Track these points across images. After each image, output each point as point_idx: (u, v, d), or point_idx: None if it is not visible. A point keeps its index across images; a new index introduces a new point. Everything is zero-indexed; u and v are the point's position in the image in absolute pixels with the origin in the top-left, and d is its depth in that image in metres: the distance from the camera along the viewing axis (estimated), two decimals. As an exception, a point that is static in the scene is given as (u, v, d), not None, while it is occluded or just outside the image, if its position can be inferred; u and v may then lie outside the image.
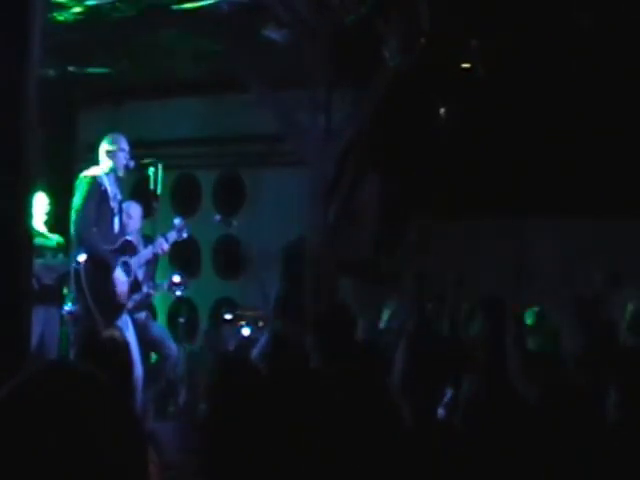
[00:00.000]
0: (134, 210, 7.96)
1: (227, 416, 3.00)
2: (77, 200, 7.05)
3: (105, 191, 7.04)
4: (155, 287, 8.10)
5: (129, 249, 7.34)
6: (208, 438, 2.95)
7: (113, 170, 7.14)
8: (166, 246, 7.56)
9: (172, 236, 7.65)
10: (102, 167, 7.15)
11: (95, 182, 7.02)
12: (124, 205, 7.88)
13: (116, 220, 7.18)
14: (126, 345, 3.98)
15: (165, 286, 8.22)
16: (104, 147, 7.19)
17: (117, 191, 7.21)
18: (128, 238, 7.39)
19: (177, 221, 7.78)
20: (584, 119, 9.19)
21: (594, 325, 6.32)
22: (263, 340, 4.19)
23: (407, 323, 6.22)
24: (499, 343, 4.93)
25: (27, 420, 1.23)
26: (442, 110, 9.53)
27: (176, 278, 8.20)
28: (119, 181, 7.33)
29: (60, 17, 8.28)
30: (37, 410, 1.24)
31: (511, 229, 9.96)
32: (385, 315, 8.04)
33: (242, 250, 10.71)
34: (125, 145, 7.23)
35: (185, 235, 7.76)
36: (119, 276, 7.11)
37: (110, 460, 1.24)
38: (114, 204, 7.13)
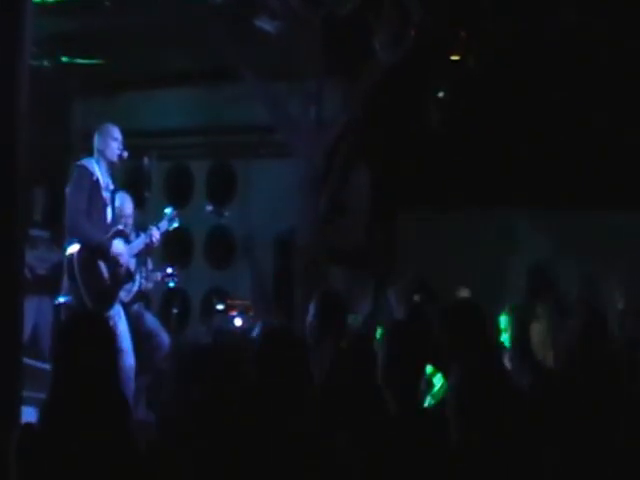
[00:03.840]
0: (126, 201, 7.99)
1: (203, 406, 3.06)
2: (69, 190, 7.10)
3: (97, 181, 7.07)
4: (149, 278, 8.15)
5: (122, 237, 7.38)
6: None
7: (106, 160, 7.18)
8: (157, 235, 7.60)
9: (163, 225, 7.70)
10: (95, 157, 7.19)
11: (86, 172, 7.06)
12: (117, 196, 7.93)
13: (108, 210, 7.21)
14: (106, 321, 4.04)
15: (158, 277, 8.28)
16: (97, 137, 7.23)
17: (109, 181, 7.25)
18: (120, 227, 7.43)
19: (168, 210, 7.83)
20: (574, 111, 9.24)
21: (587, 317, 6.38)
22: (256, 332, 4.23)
23: (393, 312, 6.29)
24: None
25: None
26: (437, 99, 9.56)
27: (169, 270, 8.27)
28: (112, 171, 7.37)
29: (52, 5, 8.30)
30: None
31: (502, 221, 10.00)
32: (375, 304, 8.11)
33: (238, 240, 10.77)
34: (118, 135, 7.26)
35: (176, 224, 7.82)
36: (117, 246, 7.14)
37: None
38: (106, 194, 7.16)
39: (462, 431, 3.38)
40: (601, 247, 9.23)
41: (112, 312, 6.98)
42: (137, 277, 7.90)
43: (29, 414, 5.17)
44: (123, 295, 7.51)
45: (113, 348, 3.74)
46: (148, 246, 7.61)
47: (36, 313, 8.50)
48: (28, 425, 3.72)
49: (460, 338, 4.41)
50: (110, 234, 7.20)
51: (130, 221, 7.90)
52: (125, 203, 7.93)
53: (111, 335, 3.78)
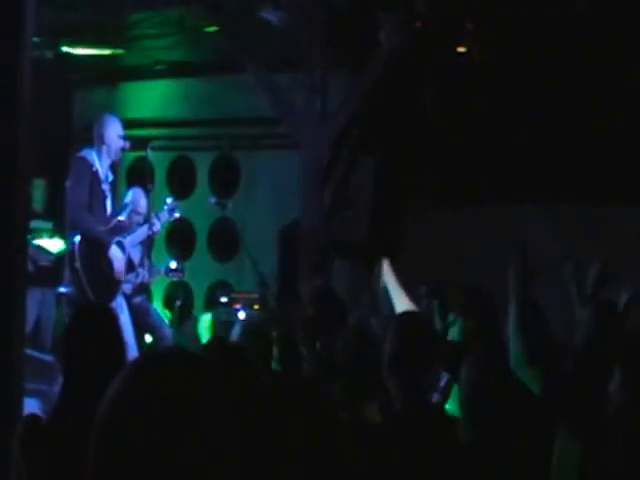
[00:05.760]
0: (141, 198, 7.97)
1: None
2: (69, 183, 7.09)
3: (96, 172, 7.06)
4: (152, 271, 8.13)
5: (122, 229, 7.37)
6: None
7: (106, 151, 7.17)
8: (158, 226, 7.60)
9: (164, 216, 7.69)
10: (95, 148, 7.17)
11: (86, 163, 7.04)
12: (131, 192, 7.93)
13: (108, 201, 7.21)
14: (114, 314, 4.01)
15: (162, 271, 8.25)
16: (98, 129, 7.21)
17: (109, 172, 7.23)
18: (120, 218, 7.41)
19: (169, 200, 7.82)
20: (580, 104, 9.19)
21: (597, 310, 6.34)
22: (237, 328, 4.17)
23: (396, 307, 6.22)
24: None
25: None
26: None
27: (173, 264, 8.23)
28: (114, 163, 7.35)
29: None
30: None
31: (508, 215, 9.95)
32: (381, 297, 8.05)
33: (239, 233, 10.74)
34: (118, 126, 7.25)
35: (177, 215, 7.80)
36: (115, 253, 7.13)
37: None
38: (106, 185, 7.16)
39: (471, 428, 3.35)
40: (604, 244, 9.19)
41: (114, 304, 6.97)
42: (139, 269, 7.88)
43: (31, 405, 5.16)
44: (126, 287, 7.50)
45: (121, 342, 3.72)
46: (149, 237, 7.61)
47: (39, 305, 8.47)
48: (35, 417, 3.70)
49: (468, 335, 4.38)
50: (110, 226, 7.19)
51: (141, 219, 7.88)
52: (139, 200, 7.92)
53: (119, 329, 3.76)
